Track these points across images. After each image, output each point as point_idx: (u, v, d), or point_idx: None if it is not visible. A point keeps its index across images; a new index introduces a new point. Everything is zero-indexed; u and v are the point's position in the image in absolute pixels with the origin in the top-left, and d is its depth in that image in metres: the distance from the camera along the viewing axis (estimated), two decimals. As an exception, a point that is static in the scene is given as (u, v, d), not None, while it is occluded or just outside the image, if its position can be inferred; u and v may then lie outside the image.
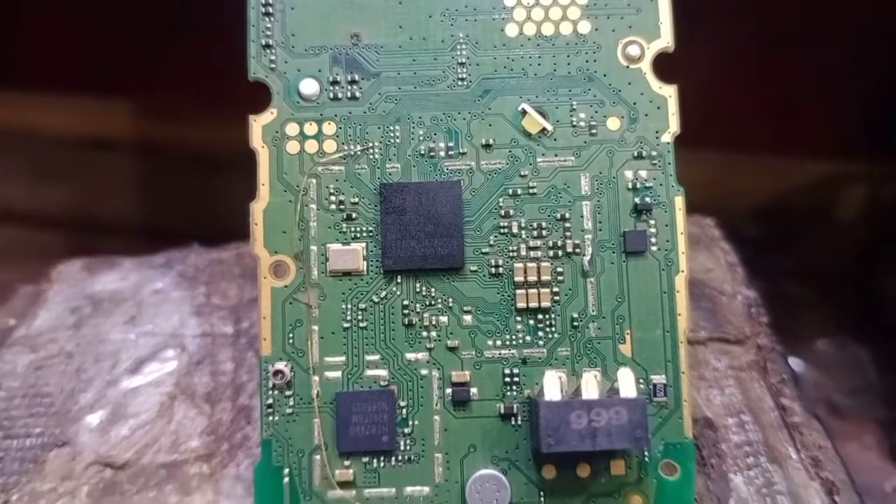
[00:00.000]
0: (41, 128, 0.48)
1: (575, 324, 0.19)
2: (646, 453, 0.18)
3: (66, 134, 0.48)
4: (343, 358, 0.19)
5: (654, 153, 0.19)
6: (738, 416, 0.23)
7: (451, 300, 0.19)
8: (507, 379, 0.18)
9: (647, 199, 0.19)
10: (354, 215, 0.19)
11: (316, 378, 0.18)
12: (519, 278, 0.19)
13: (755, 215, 0.46)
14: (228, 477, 0.21)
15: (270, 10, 0.19)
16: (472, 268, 0.19)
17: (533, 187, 0.19)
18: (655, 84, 0.19)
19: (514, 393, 0.18)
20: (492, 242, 0.19)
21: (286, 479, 0.18)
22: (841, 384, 0.39)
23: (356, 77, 0.19)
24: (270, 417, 0.18)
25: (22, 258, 0.43)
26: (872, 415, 0.38)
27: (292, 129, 0.19)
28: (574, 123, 0.19)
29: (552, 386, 0.17)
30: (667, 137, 0.19)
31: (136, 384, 0.23)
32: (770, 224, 0.46)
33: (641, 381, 0.18)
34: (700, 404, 0.23)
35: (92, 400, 0.22)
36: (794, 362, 0.40)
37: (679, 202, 0.19)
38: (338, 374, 0.18)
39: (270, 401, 0.18)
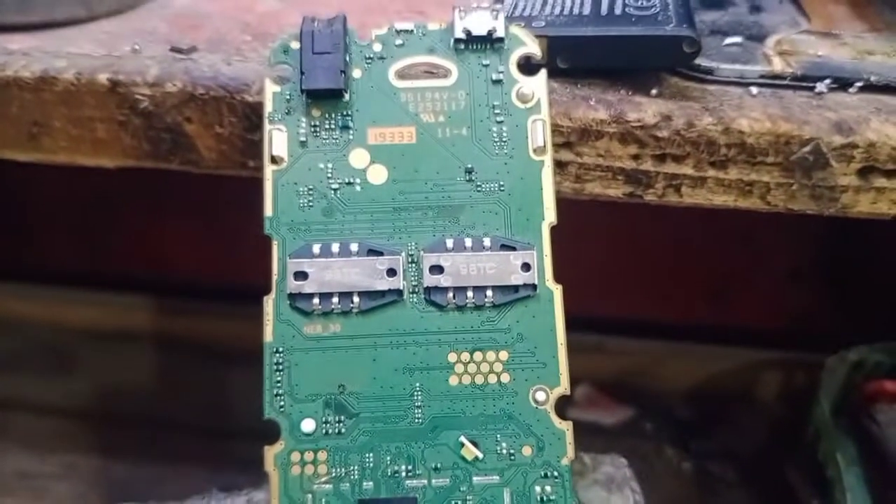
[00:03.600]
0: (67, 321, 0.56)
1: None
2: None
3: (92, 327, 0.55)
4: None
5: (556, 473, 0.26)
6: None
7: (409, 589, 0.26)
8: None
9: (551, 509, 0.26)
10: (340, 523, 0.26)
11: None
12: (460, 566, 0.26)
13: (685, 397, 0.54)
14: None
15: (280, 367, 0.27)
16: (425, 563, 0.26)
17: (469, 500, 0.26)
18: (556, 421, 0.27)
19: None
20: (440, 541, 0.26)
21: None
22: (756, 563, 0.46)
23: (342, 417, 0.27)
24: None
25: (55, 447, 0.49)
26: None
27: (295, 456, 0.26)
28: (498, 451, 0.26)
29: None
30: (565, 461, 0.26)
31: None
32: (698, 405, 0.54)
33: None
34: None
35: None
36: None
37: (574, 510, 0.26)
38: None
39: None
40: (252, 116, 0.30)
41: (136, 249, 0.57)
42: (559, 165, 0.30)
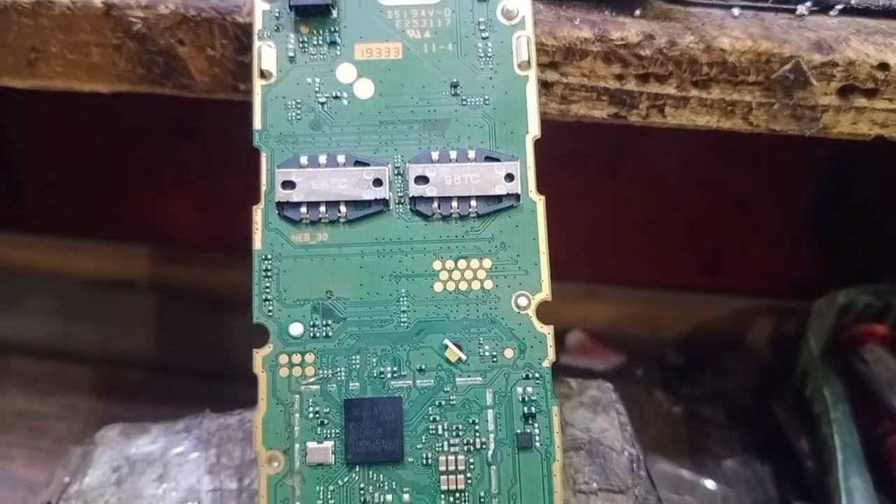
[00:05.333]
0: (69, 270, 0.56)
1: (482, 500, 0.26)
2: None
3: (92, 275, 0.56)
4: (318, 524, 0.26)
5: (537, 375, 0.27)
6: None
7: (394, 483, 0.26)
8: (434, 540, 0.26)
9: (533, 409, 0.27)
10: (326, 422, 0.27)
11: (299, 540, 0.26)
12: (442, 468, 0.26)
13: (677, 344, 0.54)
14: None
15: (269, 273, 0.27)
16: (410, 459, 0.26)
17: (453, 400, 0.27)
18: (538, 325, 0.27)
19: (439, 550, 0.26)
20: (423, 440, 0.27)
21: None
22: (744, 499, 0.47)
23: (329, 322, 0.27)
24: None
25: (54, 389, 0.50)
26: (771, 525, 0.46)
27: (283, 359, 0.27)
28: (481, 354, 0.27)
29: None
30: (546, 363, 0.27)
31: (166, 532, 0.30)
32: (689, 352, 0.54)
33: (528, 540, 0.26)
34: (588, 542, 0.31)
35: (131, 544, 0.30)
36: (707, 482, 0.47)
37: (556, 410, 0.27)
38: (314, 536, 0.26)
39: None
40: (243, 38, 0.31)
41: (135, 212, 0.57)
42: (545, 86, 0.31)
